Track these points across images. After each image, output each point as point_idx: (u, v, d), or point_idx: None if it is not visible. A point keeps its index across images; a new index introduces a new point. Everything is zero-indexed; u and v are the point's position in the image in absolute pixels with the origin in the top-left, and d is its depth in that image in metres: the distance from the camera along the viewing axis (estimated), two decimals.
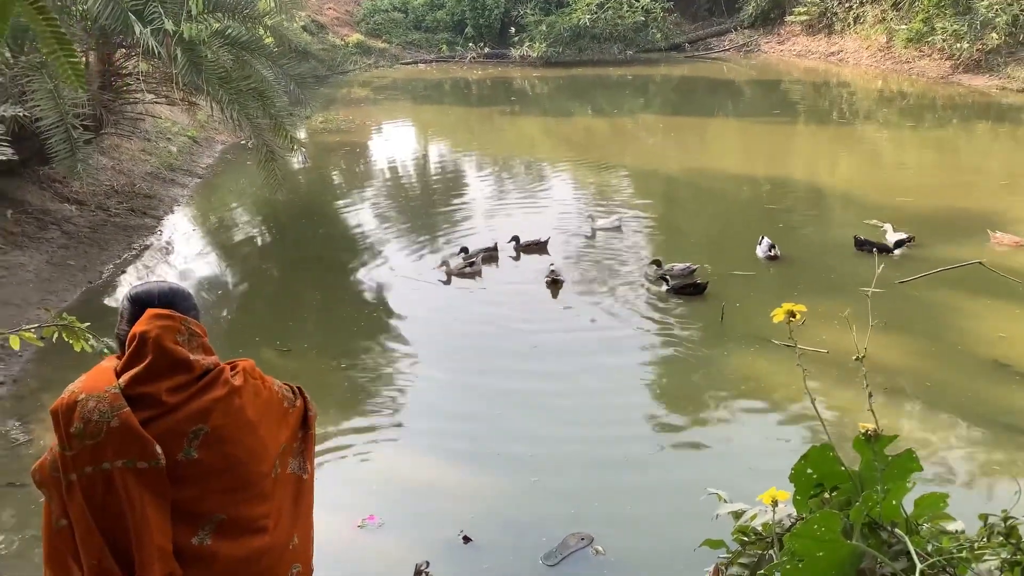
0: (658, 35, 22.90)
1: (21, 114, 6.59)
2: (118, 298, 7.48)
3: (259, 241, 9.23)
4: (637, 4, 22.75)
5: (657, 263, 6.93)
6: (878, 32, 19.74)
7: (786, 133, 14.13)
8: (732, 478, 4.33)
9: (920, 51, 18.38)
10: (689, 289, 6.71)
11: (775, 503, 1.71)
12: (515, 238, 8.07)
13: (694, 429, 5.09)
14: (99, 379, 1.84)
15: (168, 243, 8.87)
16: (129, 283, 7.74)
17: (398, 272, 7.70)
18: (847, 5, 20.88)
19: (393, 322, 6.72)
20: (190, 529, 1.82)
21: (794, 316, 1.66)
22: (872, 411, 1.62)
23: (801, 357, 1.81)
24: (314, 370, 5.84)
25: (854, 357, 1.78)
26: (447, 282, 7.31)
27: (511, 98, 19.09)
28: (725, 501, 2.04)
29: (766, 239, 7.56)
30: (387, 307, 7.02)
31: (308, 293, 7.52)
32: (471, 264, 7.40)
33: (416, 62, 23.58)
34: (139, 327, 1.86)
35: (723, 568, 1.82)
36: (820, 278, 7.22)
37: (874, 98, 16.98)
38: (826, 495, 1.60)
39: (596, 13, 22.22)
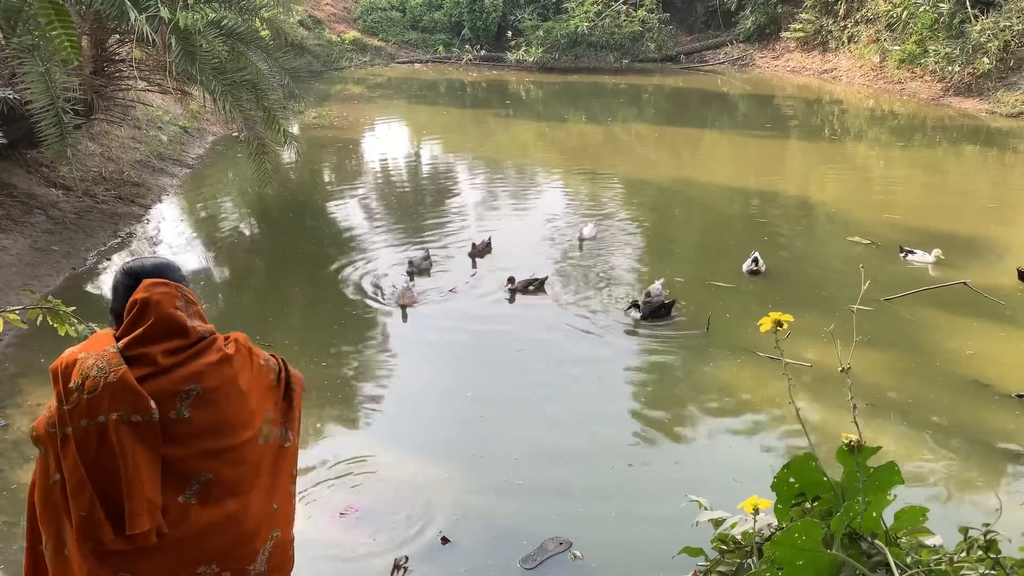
0: (653, 46, 23.00)
1: (11, 96, 6.52)
2: (101, 285, 7.42)
3: (246, 234, 9.18)
4: (635, 14, 22.84)
5: (636, 305, 6.66)
6: (871, 52, 19.91)
7: (778, 147, 14.21)
8: (714, 487, 4.34)
9: (912, 72, 18.54)
10: (661, 311, 6.57)
11: (756, 511, 1.71)
12: (474, 245, 8.04)
13: (677, 437, 5.10)
14: (99, 341, 1.95)
15: (154, 232, 8.81)
16: (113, 271, 7.68)
17: (376, 275, 7.60)
18: (842, 24, 21.05)
19: (376, 321, 6.68)
20: (177, 487, 1.89)
21: (781, 326, 1.66)
22: (856, 422, 1.62)
23: (786, 368, 1.82)
24: (295, 366, 5.77)
25: (839, 369, 1.78)
26: (404, 319, 6.72)
27: (506, 101, 19.11)
28: (705, 508, 2.04)
29: (755, 253, 7.58)
30: (370, 306, 6.98)
31: (292, 288, 7.48)
32: (409, 288, 6.92)
33: (412, 62, 23.56)
34: (139, 294, 1.95)
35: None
36: (806, 292, 7.26)
37: (866, 117, 17.11)
38: (807, 505, 1.60)
39: (594, 21, 22.29)
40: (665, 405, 5.48)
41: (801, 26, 21.89)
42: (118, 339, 1.94)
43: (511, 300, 7.09)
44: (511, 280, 7.16)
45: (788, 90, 20.04)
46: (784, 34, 22.58)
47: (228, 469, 1.94)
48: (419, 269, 7.51)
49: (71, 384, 1.86)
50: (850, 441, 1.50)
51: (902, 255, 7.75)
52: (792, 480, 1.55)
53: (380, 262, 7.93)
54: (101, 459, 1.83)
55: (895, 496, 1.51)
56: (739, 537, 1.87)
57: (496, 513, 4.30)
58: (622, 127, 16.31)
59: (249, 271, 8.19)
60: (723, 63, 23.33)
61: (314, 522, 4.12)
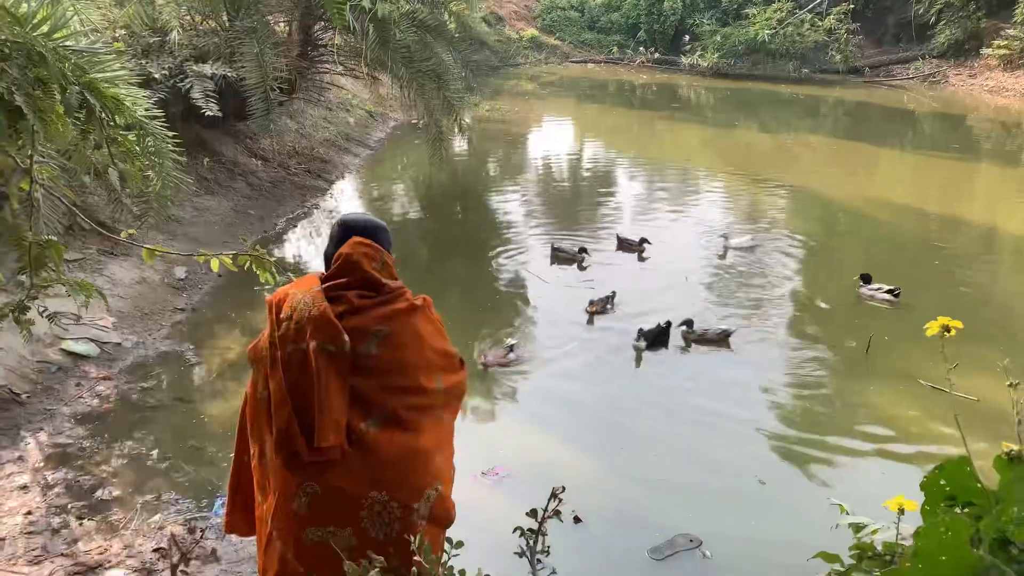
0: (838, 57, 21.97)
1: (229, 74, 7.29)
2: (285, 248, 8.15)
3: (412, 215, 9.74)
4: (820, 23, 21.92)
5: (688, 323, 6.26)
6: None
7: (965, 172, 13.24)
8: (851, 507, 4.22)
9: None
10: (661, 339, 6.17)
11: (902, 512, 1.73)
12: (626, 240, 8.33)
13: (821, 456, 4.97)
14: (307, 282, 2.22)
15: (334, 206, 9.54)
16: (297, 237, 8.42)
17: (530, 267, 7.86)
18: None
19: (524, 312, 6.90)
20: (361, 415, 2.10)
21: (948, 331, 1.68)
22: (1020, 436, 1.62)
23: (952, 389, 1.82)
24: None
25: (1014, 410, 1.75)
26: (485, 370, 5.78)
27: (674, 104, 18.92)
28: (847, 514, 2.05)
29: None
30: (519, 296, 7.24)
31: (451, 270, 7.89)
32: (511, 350, 5.99)
33: (585, 61, 23.83)
34: (345, 249, 2.21)
35: None
36: (981, 326, 6.78)
37: None
38: (957, 510, 1.60)
39: (775, 29, 21.60)
40: (815, 424, 5.35)
41: (1006, 43, 20.18)
42: (323, 281, 2.22)
43: (589, 322, 6.68)
44: (592, 303, 6.75)
45: (983, 111, 18.56)
46: (985, 51, 20.89)
47: (404, 409, 2.14)
48: (569, 257, 7.82)
49: (282, 315, 2.15)
50: (1010, 451, 1.50)
51: None
52: (943, 482, 1.57)
53: (532, 256, 8.17)
54: (301, 381, 2.08)
55: None
56: (879, 547, 1.88)
57: (630, 503, 4.40)
58: (795, 138, 15.75)
59: (413, 251, 8.69)
60: (912, 79, 21.93)
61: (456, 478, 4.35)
